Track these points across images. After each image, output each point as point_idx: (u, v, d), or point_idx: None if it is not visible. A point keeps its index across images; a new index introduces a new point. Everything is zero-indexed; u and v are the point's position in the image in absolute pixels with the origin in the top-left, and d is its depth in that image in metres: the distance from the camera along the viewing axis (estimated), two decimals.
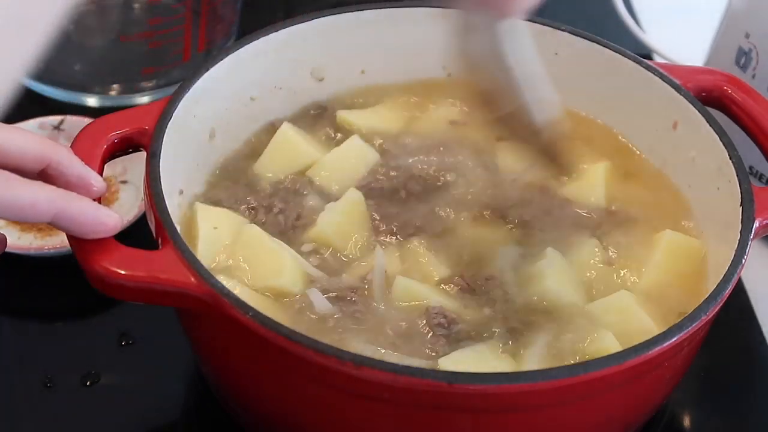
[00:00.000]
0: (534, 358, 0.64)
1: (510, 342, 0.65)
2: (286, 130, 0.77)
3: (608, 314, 0.67)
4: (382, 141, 0.79)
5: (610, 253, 0.72)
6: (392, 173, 0.76)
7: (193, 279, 0.59)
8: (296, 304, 0.66)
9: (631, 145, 0.80)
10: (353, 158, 0.77)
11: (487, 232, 0.73)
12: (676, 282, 0.70)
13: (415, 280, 0.68)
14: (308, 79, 0.81)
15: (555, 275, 0.69)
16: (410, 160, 0.77)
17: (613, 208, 0.76)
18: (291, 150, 0.76)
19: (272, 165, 0.76)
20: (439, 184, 0.76)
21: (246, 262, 0.68)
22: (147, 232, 0.65)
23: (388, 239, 0.72)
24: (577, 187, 0.77)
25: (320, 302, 0.66)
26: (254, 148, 0.77)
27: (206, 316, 0.60)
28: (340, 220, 0.71)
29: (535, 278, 0.69)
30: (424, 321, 0.66)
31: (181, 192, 0.71)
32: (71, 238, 0.61)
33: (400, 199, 0.75)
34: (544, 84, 0.69)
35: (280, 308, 0.66)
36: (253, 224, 0.70)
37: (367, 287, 0.68)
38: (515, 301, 0.68)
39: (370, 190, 0.74)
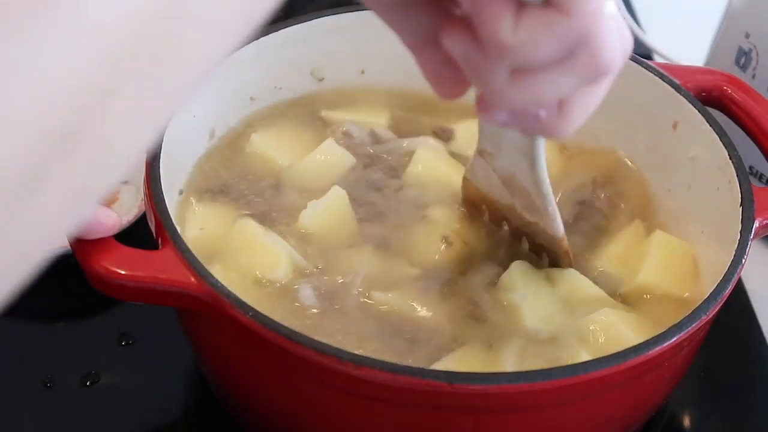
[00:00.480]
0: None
1: (482, 353, 0.65)
2: (254, 141, 0.77)
3: (590, 331, 0.66)
4: (367, 141, 0.79)
5: (602, 261, 0.72)
6: (374, 174, 0.76)
7: (193, 279, 0.59)
8: (281, 298, 0.66)
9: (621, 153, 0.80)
10: (328, 162, 0.76)
11: (469, 237, 0.72)
12: (669, 285, 0.70)
13: (391, 281, 0.68)
14: (308, 79, 0.81)
15: (532, 308, 0.67)
16: (394, 162, 0.77)
17: (603, 210, 0.76)
18: (261, 161, 0.76)
19: (250, 170, 0.76)
20: (422, 186, 0.76)
21: (239, 253, 0.68)
22: (147, 232, 0.65)
23: (367, 240, 0.71)
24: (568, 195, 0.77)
25: (307, 298, 0.66)
26: (254, 148, 0.77)
27: (206, 316, 0.60)
28: (324, 215, 0.71)
29: (511, 307, 0.67)
30: (395, 328, 0.65)
31: (181, 192, 0.72)
32: (71, 238, 0.61)
33: (380, 199, 0.74)
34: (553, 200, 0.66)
35: (266, 298, 0.66)
36: (248, 217, 0.70)
37: (343, 289, 0.67)
38: (490, 316, 0.67)
39: (351, 190, 0.74)
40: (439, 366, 0.63)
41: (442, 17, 0.50)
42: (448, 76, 0.52)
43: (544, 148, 0.62)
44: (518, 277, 0.68)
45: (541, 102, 0.50)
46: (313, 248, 0.70)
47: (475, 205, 0.72)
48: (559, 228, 0.67)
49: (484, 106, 0.52)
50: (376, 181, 0.76)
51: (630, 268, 0.71)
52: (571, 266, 0.70)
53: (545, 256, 0.70)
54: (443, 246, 0.71)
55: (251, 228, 0.69)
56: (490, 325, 0.67)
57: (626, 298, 0.70)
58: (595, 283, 0.69)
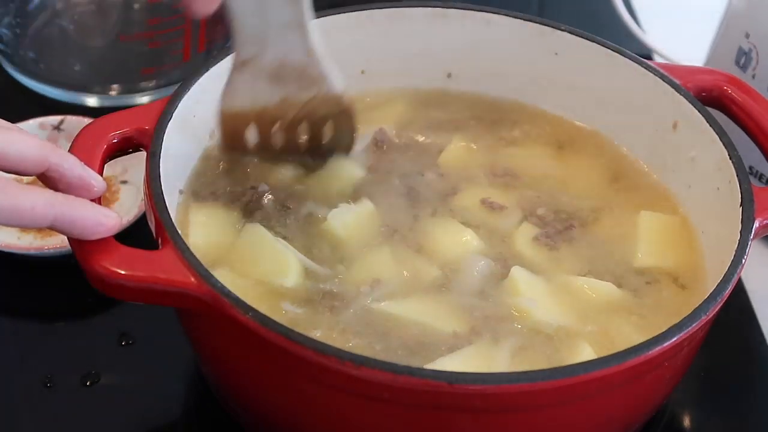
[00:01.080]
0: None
1: (486, 352, 0.65)
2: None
3: (593, 331, 0.66)
4: (379, 143, 0.79)
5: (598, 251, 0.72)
6: (387, 179, 0.76)
7: (193, 279, 0.59)
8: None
9: (624, 149, 0.80)
10: (340, 174, 0.76)
11: (477, 243, 0.72)
12: (665, 262, 0.71)
13: (405, 288, 0.68)
14: None
15: (542, 309, 0.67)
16: (405, 163, 0.78)
17: (603, 212, 0.76)
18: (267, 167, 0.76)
19: (256, 175, 0.75)
20: (434, 188, 0.76)
21: (246, 260, 0.68)
22: (147, 232, 0.65)
23: (385, 244, 0.71)
24: (574, 193, 0.77)
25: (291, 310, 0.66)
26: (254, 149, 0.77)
27: (206, 316, 0.60)
28: (352, 219, 0.71)
29: (518, 308, 0.67)
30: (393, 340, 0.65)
31: (181, 192, 0.72)
32: (71, 238, 0.61)
33: (395, 202, 0.74)
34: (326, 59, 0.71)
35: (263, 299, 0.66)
36: (256, 223, 0.70)
37: (358, 297, 0.67)
38: (493, 318, 0.67)
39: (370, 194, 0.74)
40: (443, 363, 0.63)
41: None
42: None
43: (310, 12, 0.68)
44: (521, 283, 0.68)
45: None
46: (329, 254, 0.70)
47: (237, 138, 0.74)
48: (338, 83, 0.72)
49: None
50: (389, 182, 0.76)
51: (625, 253, 0.72)
52: (353, 115, 0.73)
53: (329, 125, 0.73)
54: (462, 247, 0.71)
55: (260, 234, 0.69)
56: (493, 325, 0.66)
57: (628, 286, 0.70)
58: (594, 276, 0.70)
